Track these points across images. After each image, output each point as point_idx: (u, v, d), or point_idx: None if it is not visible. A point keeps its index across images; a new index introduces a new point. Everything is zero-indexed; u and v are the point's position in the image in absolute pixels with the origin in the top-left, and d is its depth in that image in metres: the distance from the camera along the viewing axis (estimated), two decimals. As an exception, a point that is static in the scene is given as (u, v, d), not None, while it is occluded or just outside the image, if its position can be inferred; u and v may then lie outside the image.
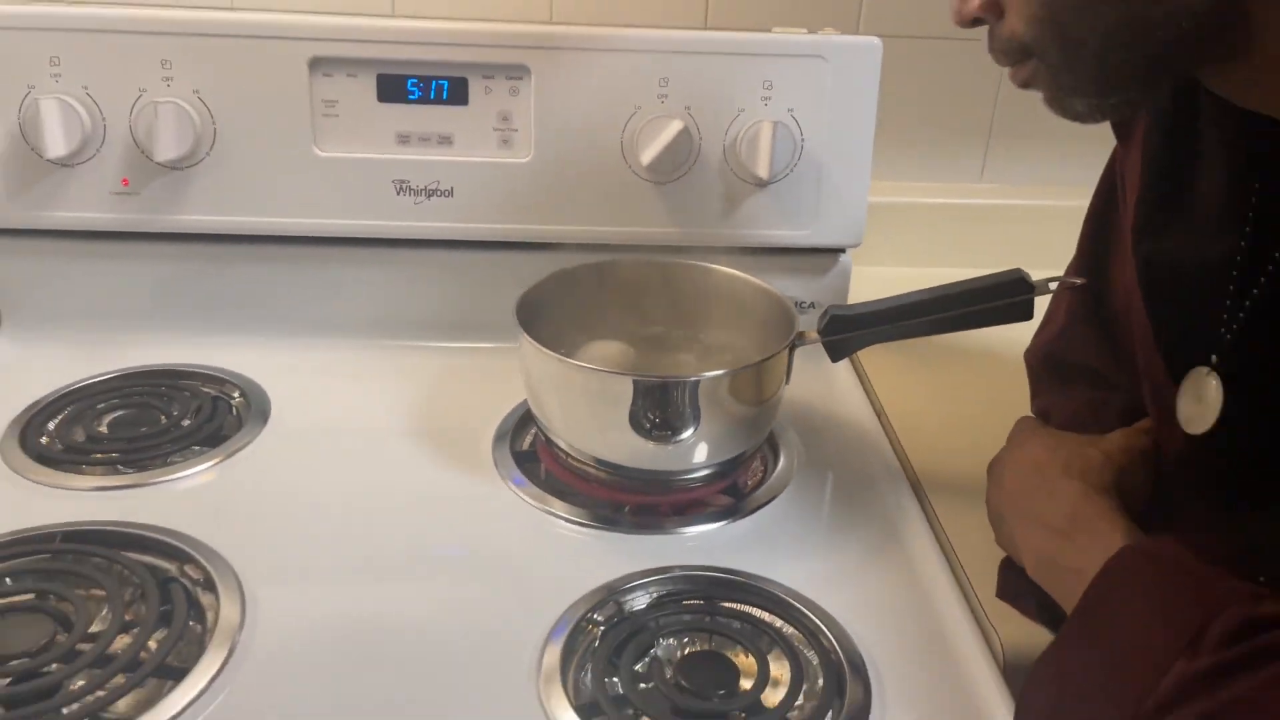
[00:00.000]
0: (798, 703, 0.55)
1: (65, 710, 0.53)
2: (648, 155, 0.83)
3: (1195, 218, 0.57)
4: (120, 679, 0.55)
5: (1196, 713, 0.43)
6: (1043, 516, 0.59)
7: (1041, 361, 0.72)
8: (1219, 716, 0.43)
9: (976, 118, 1.07)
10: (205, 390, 0.83)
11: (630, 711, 0.55)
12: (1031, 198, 1.08)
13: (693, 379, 0.67)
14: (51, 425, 0.78)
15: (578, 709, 0.54)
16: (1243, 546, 0.52)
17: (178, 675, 0.56)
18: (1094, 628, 0.51)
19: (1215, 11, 0.44)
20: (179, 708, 0.54)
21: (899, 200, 1.08)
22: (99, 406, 0.80)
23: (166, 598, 0.61)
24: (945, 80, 0.98)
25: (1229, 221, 0.54)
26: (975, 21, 0.52)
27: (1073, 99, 0.51)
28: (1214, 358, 0.56)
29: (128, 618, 0.59)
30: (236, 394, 0.83)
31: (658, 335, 0.82)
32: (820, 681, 0.57)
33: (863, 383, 0.89)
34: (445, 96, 0.84)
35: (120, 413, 0.80)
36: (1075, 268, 0.70)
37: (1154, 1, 0.44)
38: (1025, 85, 0.52)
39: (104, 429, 0.78)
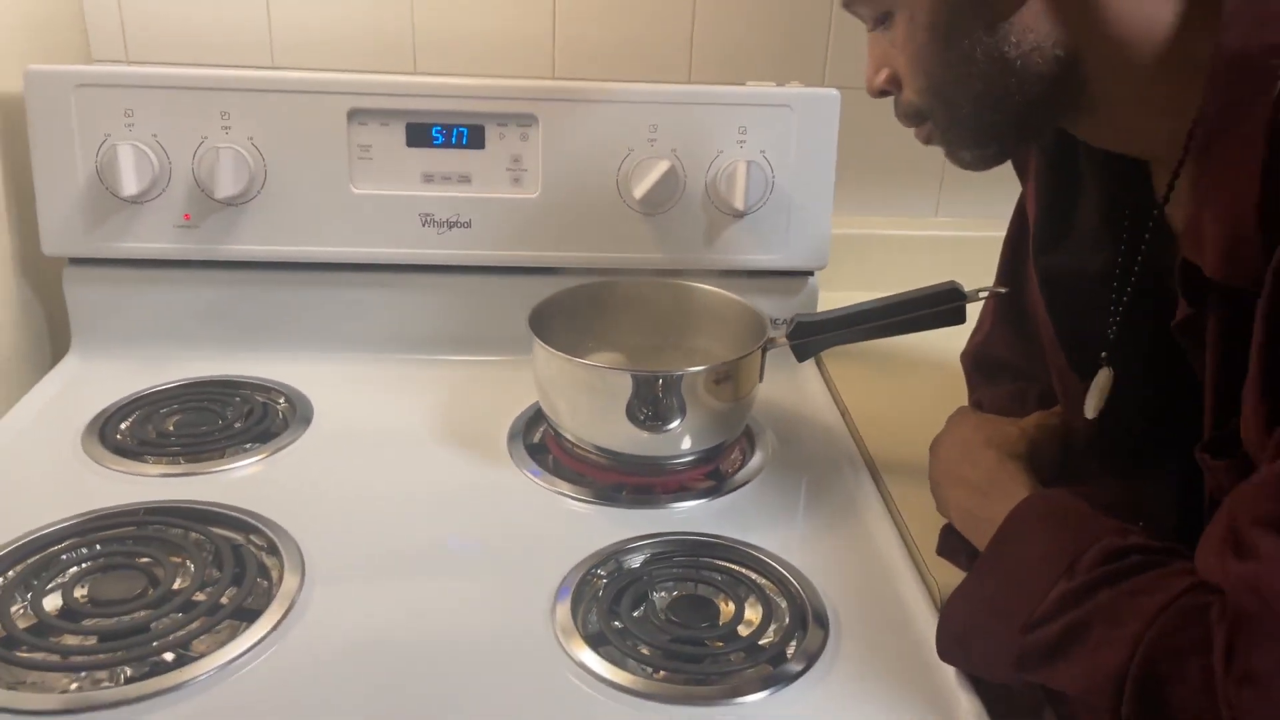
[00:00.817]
0: (768, 633, 0.67)
1: (155, 644, 0.64)
2: (640, 190, 0.96)
3: (1079, 236, 0.69)
4: (200, 621, 0.66)
5: (1068, 621, 0.53)
6: (966, 479, 0.70)
7: (973, 361, 0.85)
8: (1084, 622, 0.53)
9: (930, 161, 1.20)
10: (256, 397, 0.94)
11: (630, 641, 0.66)
12: (980, 230, 1.20)
13: (678, 373, 0.79)
14: (124, 425, 0.89)
15: (586, 639, 0.65)
16: (1129, 502, 0.62)
17: (250, 617, 0.67)
18: (997, 561, 0.62)
19: (1059, 78, 0.57)
20: (250, 644, 0.64)
21: (865, 232, 1.22)
22: (163, 410, 0.92)
23: (238, 560, 0.72)
24: (899, 127, 1.12)
25: (1105, 239, 0.66)
26: (883, 93, 0.64)
27: (960, 151, 0.63)
28: (1104, 354, 0.68)
29: (206, 576, 0.70)
30: (282, 400, 0.95)
31: (649, 345, 0.93)
32: (787, 619, 0.68)
33: (829, 387, 1.01)
34: (465, 141, 0.97)
35: (182, 415, 0.91)
36: (998, 281, 0.83)
37: (1010, 73, 0.57)
38: (926, 142, 0.65)
39: (169, 428, 0.89)
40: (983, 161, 0.64)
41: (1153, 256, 0.64)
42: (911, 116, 0.64)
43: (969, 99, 0.60)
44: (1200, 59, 0.52)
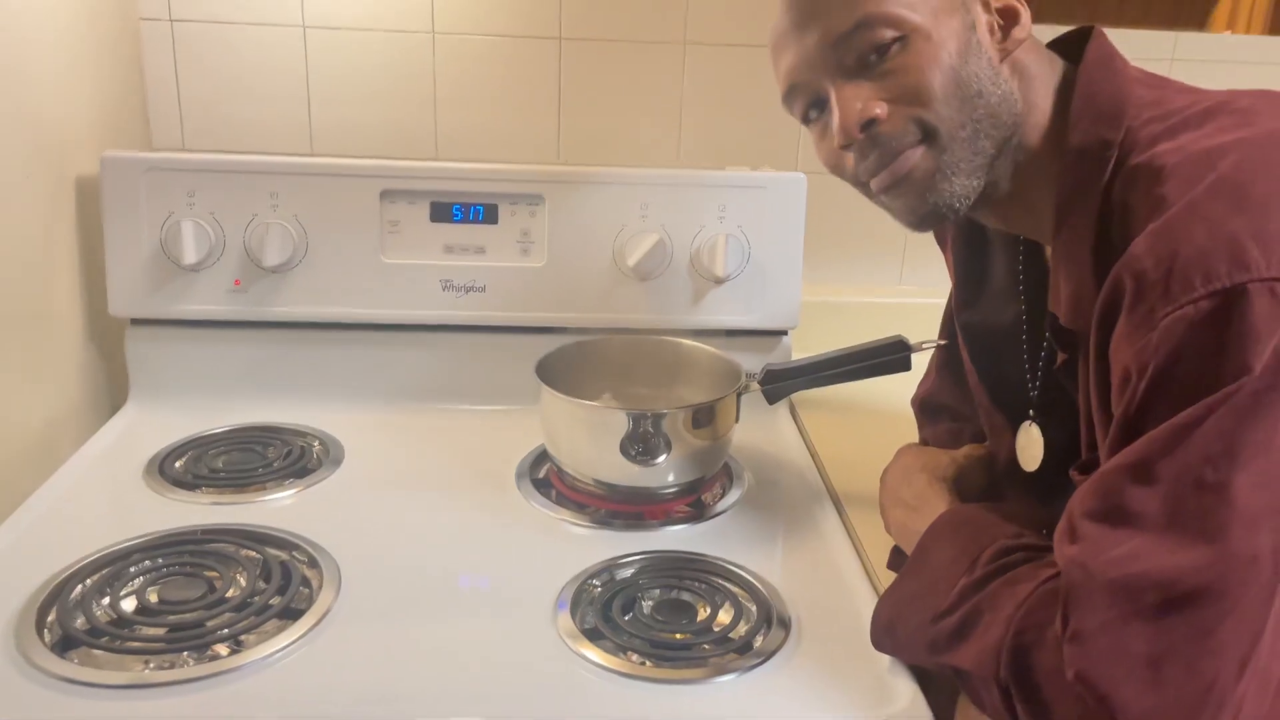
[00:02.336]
0: (737, 629, 0.78)
1: (211, 636, 0.75)
2: (633, 260, 1.09)
3: (991, 295, 0.81)
4: (249, 620, 0.77)
5: (965, 610, 0.64)
6: (902, 498, 0.82)
7: (920, 405, 0.97)
8: (977, 609, 0.63)
9: (894, 235, 1.35)
10: (294, 440, 1.06)
11: (622, 636, 0.77)
12: (940, 296, 1.32)
13: (664, 412, 0.92)
14: (179, 463, 1.01)
15: (584, 633, 0.77)
16: (1038, 516, 0.73)
17: (294, 616, 0.78)
18: (917, 564, 0.73)
19: (1012, 137, 0.66)
20: (291, 640, 0.75)
21: (837, 300, 1.35)
22: (212, 451, 1.04)
23: (284, 572, 0.83)
24: (866, 207, 1.26)
25: (1011, 295, 0.79)
26: (872, 121, 0.65)
27: (952, 178, 0.65)
28: (1031, 411, 0.79)
29: (257, 585, 0.81)
30: (317, 443, 1.07)
31: (640, 393, 1.06)
32: (755, 619, 0.80)
33: (802, 434, 1.14)
34: (481, 217, 1.11)
35: (229, 455, 1.03)
36: (940, 336, 0.95)
37: (999, 106, 0.65)
38: (910, 172, 0.66)
39: (219, 465, 1.01)
40: (955, 201, 0.67)
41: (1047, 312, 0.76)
42: (910, 136, 0.65)
43: (971, 120, 0.65)
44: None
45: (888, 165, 0.67)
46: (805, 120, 0.72)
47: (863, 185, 0.71)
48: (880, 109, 0.65)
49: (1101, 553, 0.55)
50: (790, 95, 0.71)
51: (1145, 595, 0.53)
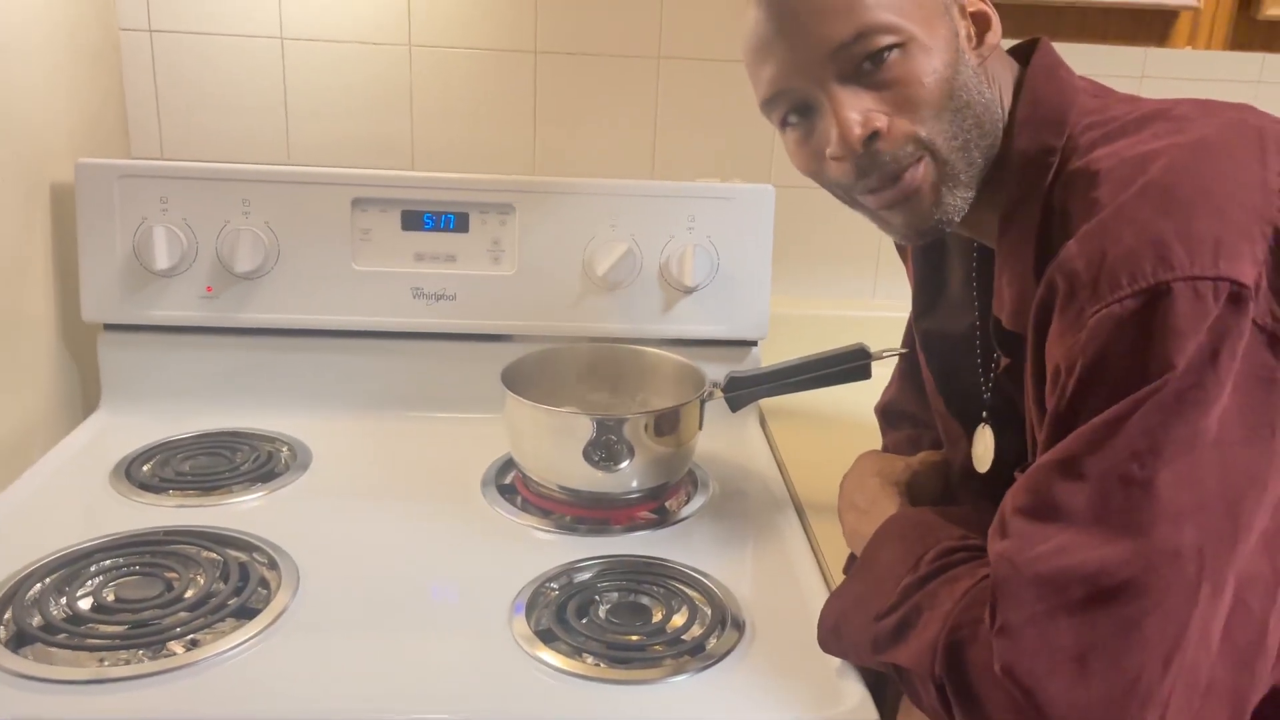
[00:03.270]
0: (691, 630, 0.78)
1: (166, 634, 0.75)
2: (602, 269, 1.10)
3: (946, 304, 0.82)
4: (204, 618, 0.77)
5: (906, 608, 0.65)
6: (856, 502, 0.83)
7: (882, 412, 0.98)
8: (917, 607, 0.64)
9: (867, 247, 1.36)
10: (262, 445, 1.07)
11: (577, 638, 0.77)
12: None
13: (626, 417, 0.92)
14: (146, 467, 1.02)
15: (537, 634, 0.77)
16: (989, 523, 0.73)
17: (250, 615, 0.78)
18: (865, 566, 0.73)
19: (995, 145, 0.67)
20: (246, 638, 0.75)
21: (811, 313, 1.36)
22: (181, 455, 1.04)
23: (243, 573, 0.84)
24: (841, 221, 1.27)
25: (965, 303, 0.80)
26: (873, 135, 0.64)
27: (955, 191, 0.66)
28: (984, 414, 0.80)
29: (214, 586, 0.82)
30: (285, 449, 1.07)
31: (606, 401, 1.07)
32: (709, 621, 0.80)
33: (770, 442, 1.14)
34: (452, 226, 1.12)
35: (196, 459, 1.04)
36: (903, 344, 0.96)
37: (987, 114, 0.66)
38: (916, 186, 0.65)
39: (186, 469, 1.02)
40: (954, 214, 0.67)
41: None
42: (909, 154, 0.65)
43: (962, 131, 0.65)
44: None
45: (892, 185, 0.66)
46: (783, 125, 0.70)
47: (843, 191, 0.70)
48: (881, 122, 0.64)
49: (1029, 547, 0.56)
50: (773, 102, 0.68)
51: (1071, 589, 0.54)
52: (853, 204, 0.71)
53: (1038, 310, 0.60)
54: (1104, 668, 0.53)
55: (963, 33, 0.66)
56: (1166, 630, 0.53)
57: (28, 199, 1.05)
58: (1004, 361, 0.70)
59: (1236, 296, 0.53)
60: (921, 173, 0.65)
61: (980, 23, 0.68)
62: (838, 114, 0.64)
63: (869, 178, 0.66)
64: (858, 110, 0.64)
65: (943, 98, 0.64)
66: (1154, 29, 1.02)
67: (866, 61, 0.64)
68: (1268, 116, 0.63)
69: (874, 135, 0.64)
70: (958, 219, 0.68)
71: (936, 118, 0.64)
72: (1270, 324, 0.55)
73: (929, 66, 0.64)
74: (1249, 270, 0.54)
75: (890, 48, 0.63)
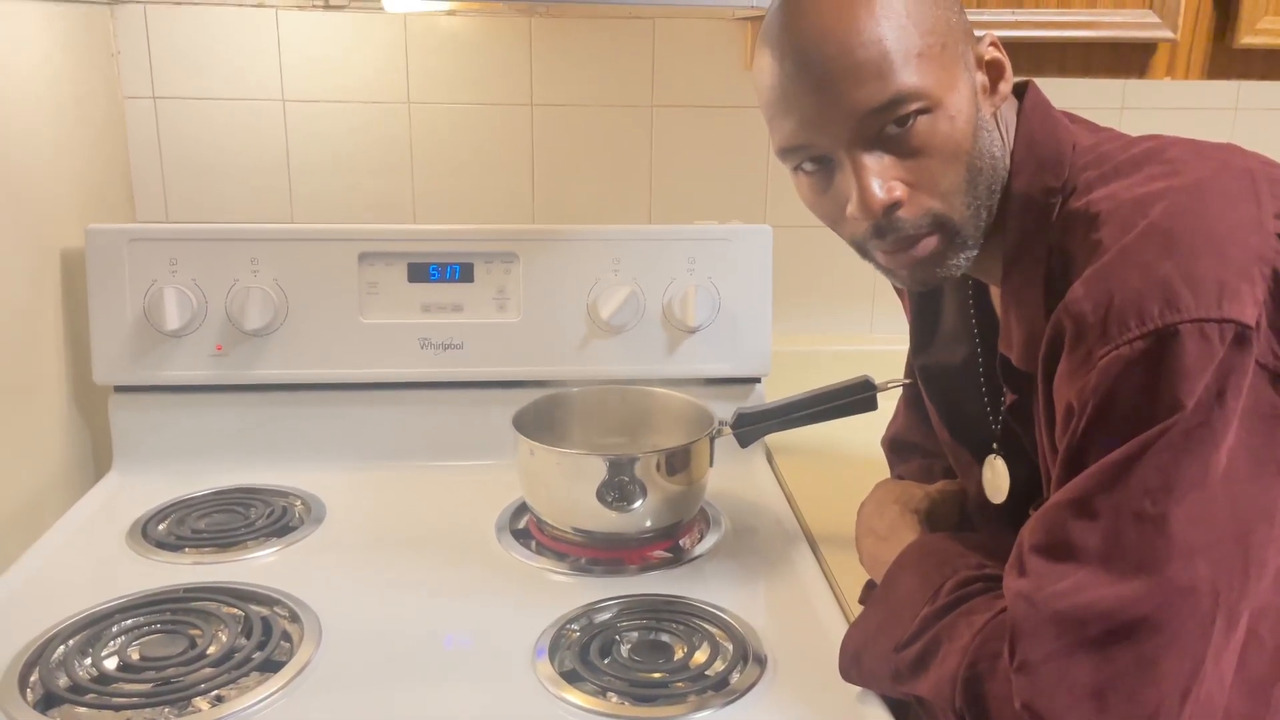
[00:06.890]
0: (714, 666, 0.79)
1: (191, 690, 0.76)
2: (606, 313, 1.12)
3: (943, 337, 0.84)
4: (230, 673, 0.77)
5: (926, 640, 0.66)
6: (875, 529, 0.84)
7: (889, 444, 0.99)
8: (936, 639, 0.65)
9: (863, 285, 1.38)
10: (275, 500, 1.08)
11: (602, 678, 0.77)
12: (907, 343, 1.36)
13: (637, 456, 0.94)
14: (161, 526, 1.03)
15: (562, 675, 0.78)
16: (1007, 551, 0.72)
17: (274, 668, 0.79)
18: (885, 594, 0.74)
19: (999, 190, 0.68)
20: (270, 692, 0.76)
21: (811, 349, 1.37)
22: (196, 513, 1.05)
23: (265, 628, 0.84)
24: (837, 258, 1.29)
25: (962, 335, 0.81)
26: (893, 206, 0.64)
27: (961, 253, 0.67)
28: (995, 445, 0.81)
29: (238, 641, 0.82)
30: (299, 503, 1.08)
31: (616, 443, 1.08)
32: (731, 656, 0.81)
33: (778, 478, 1.15)
34: (457, 276, 1.14)
35: (211, 516, 1.04)
36: (905, 376, 0.97)
37: (996, 169, 0.67)
38: (925, 257, 0.66)
39: (201, 526, 1.03)
40: (960, 269, 0.68)
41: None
42: (925, 225, 0.66)
43: (975, 197, 0.66)
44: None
45: (905, 250, 0.67)
46: (796, 169, 0.70)
47: (860, 246, 0.71)
48: (902, 192, 0.64)
49: (1046, 585, 0.57)
50: (792, 152, 0.68)
51: (1089, 626, 0.55)
52: (863, 254, 0.72)
53: (1047, 350, 0.62)
54: (1122, 703, 0.54)
55: (978, 84, 0.67)
56: (1183, 665, 0.54)
57: (38, 266, 1.07)
58: (1010, 398, 0.71)
59: (1241, 337, 0.55)
60: (935, 244, 0.67)
61: (994, 71, 0.68)
62: (860, 180, 0.64)
63: (884, 239, 0.67)
64: (881, 178, 0.64)
65: (961, 171, 0.65)
66: (1134, 62, 1.05)
67: (893, 124, 0.63)
68: (1253, 156, 0.65)
69: (895, 204, 0.65)
70: (963, 270, 0.69)
71: (955, 191, 0.65)
72: (1273, 362, 0.56)
73: (952, 133, 0.64)
74: (1250, 311, 0.56)
75: (918, 113, 0.63)
